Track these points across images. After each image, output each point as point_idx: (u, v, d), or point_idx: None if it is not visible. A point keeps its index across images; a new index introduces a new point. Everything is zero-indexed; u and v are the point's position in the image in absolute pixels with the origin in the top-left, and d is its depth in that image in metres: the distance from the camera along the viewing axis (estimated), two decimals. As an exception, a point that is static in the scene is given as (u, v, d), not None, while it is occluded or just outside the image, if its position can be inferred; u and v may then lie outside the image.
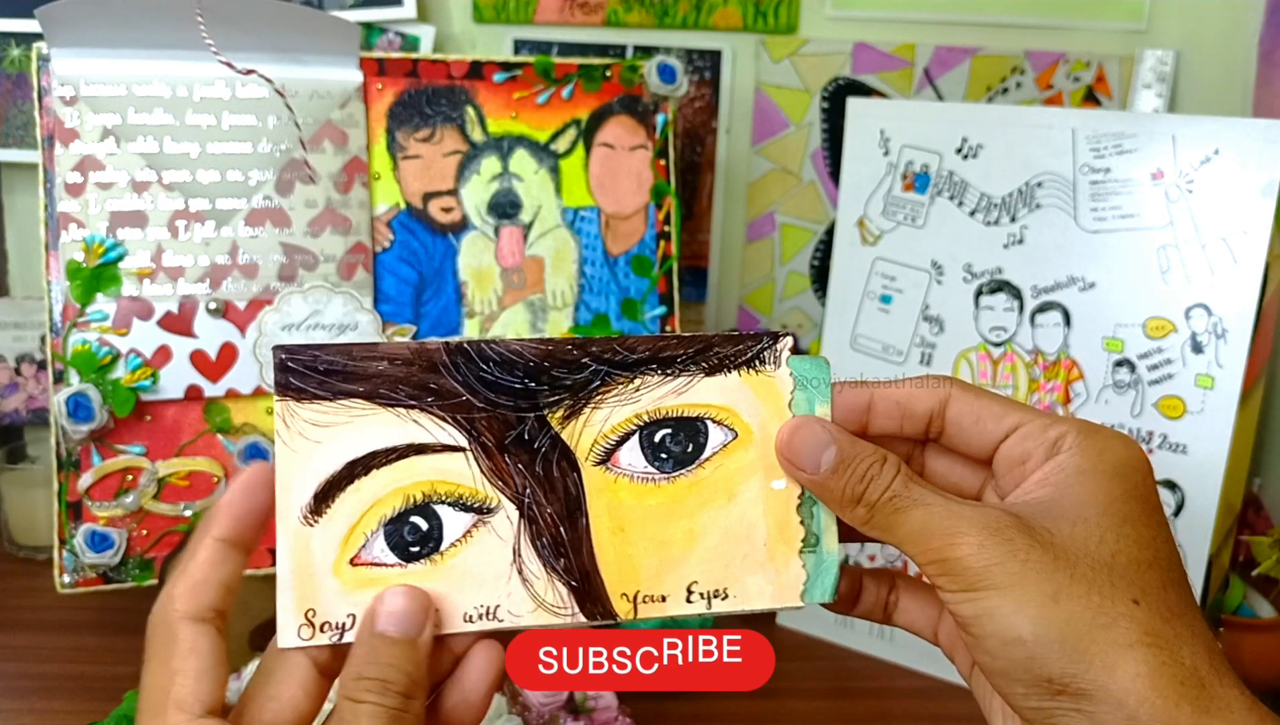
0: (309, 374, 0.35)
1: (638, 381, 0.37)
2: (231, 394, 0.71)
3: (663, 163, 0.80)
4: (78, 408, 0.67)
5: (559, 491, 0.37)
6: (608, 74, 0.79)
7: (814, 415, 0.38)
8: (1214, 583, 0.74)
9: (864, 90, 0.95)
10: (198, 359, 0.71)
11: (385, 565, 0.36)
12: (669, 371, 0.37)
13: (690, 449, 0.37)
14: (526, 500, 0.36)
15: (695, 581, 0.38)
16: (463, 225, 0.76)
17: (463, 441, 0.36)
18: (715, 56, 0.95)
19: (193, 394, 0.71)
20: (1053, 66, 0.95)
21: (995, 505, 0.35)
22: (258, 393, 0.72)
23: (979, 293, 0.75)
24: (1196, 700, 0.30)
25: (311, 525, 0.35)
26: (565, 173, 0.78)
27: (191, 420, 0.71)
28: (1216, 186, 0.68)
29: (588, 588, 0.37)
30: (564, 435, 0.37)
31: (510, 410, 0.36)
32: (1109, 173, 0.71)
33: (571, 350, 0.37)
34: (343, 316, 0.73)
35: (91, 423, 0.67)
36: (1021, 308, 0.74)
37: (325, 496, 0.35)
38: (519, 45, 0.94)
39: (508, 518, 0.36)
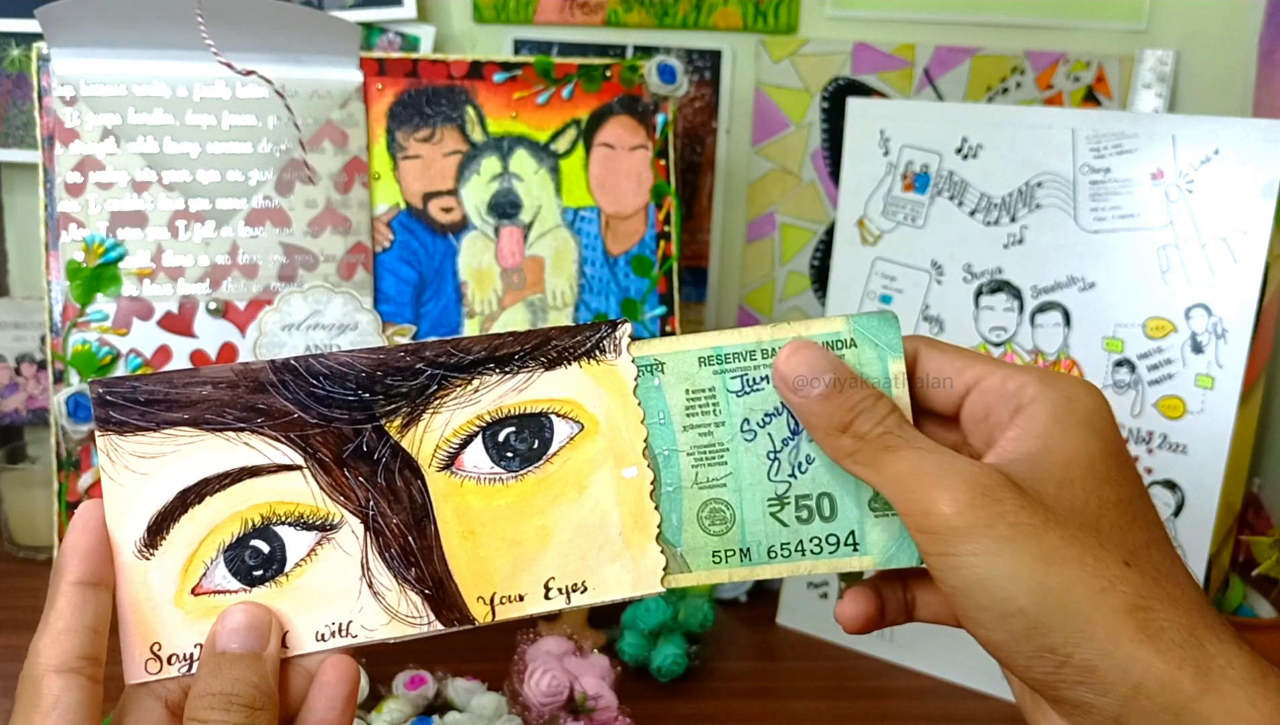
0: (129, 406, 0.35)
1: (476, 382, 0.37)
2: (231, 394, 0.71)
3: (663, 163, 0.80)
4: (78, 408, 0.67)
5: (404, 501, 0.36)
6: (608, 74, 0.79)
7: (818, 343, 0.37)
8: (1214, 583, 0.74)
9: (864, 90, 0.95)
10: (198, 359, 0.71)
11: (228, 592, 0.35)
12: (507, 369, 0.37)
13: (536, 445, 0.37)
14: (370, 513, 0.36)
15: (552, 577, 0.37)
16: (463, 225, 0.76)
17: (298, 460, 0.35)
18: (715, 56, 0.95)
19: (193, 394, 0.71)
20: (1053, 66, 0.95)
21: (986, 461, 0.34)
22: (258, 393, 0.72)
23: (979, 293, 0.75)
24: (1197, 662, 0.30)
25: (147, 558, 0.35)
26: (565, 173, 0.78)
27: (191, 420, 0.71)
28: (1216, 186, 0.68)
29: (442, 595, 0.36)
30: (404, 443, 0.36)
31: (346, 423, 0.36)
32: (1109, 173, 0.71)
33: (404, 357, 0.36)
34: (343, 316, 0.73)
35: (91, 423, 0.67)
36: (1021, 308, 0.74)
37: (159, 528, 0.35)
38: (519, 45, 0.94)
39: (352, 532, 0.36)
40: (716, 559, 0.38)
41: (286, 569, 0.36)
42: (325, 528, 0.36)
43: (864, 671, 0.77)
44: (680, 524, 0.38)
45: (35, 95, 0.69)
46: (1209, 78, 0.95)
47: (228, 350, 0.71)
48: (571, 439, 0.37)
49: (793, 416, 0.38)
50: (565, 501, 0.37)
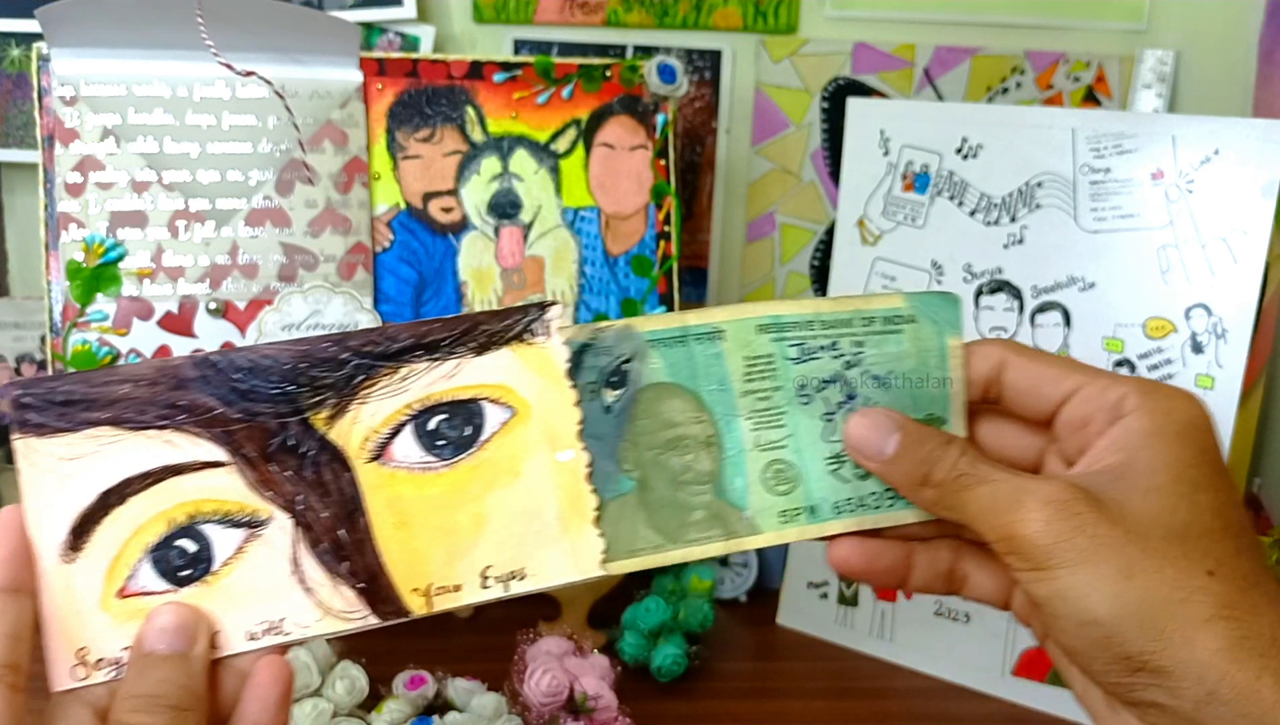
0: (47, 407, 0.34)
1: (404, 370, 0.36)
2: (231, 394, 0.71)
3: (663, 163, 0.80)
4: (78, 408, 0.67)
5: (333, 494, 0.36)
6: (608, 74, 0.79)
7: (879, 407, 0.39)
8: (1214, 583, 0.74)
9: (864, 90, 0.95)
10: (198, 359, 0.71)
11: (155, 593, 0.35)
12: (436, 356, 0.36)
13: (468, 432, 0.37)
14: (299, 507, 0.35)
15: (489, 565, 0.37)
16: (463, 225, 0.76)
17: (223, 456, 0.35)
18: (715, 56, 0.95)
19: (193, 394, 0.71)
20: (1053, 66, 0.95)
21: (1063, 477, 0.35)
22: (258, 393, 0.72)
23: (979, 293, 0.75)
24: (1278, 671, 0.30)
25: (71, 562, 0.34)
26: (565, 173, 0.78)
27: (191, 420, 0.71)
28: (1216, 186, 0.68)
29: (376, 588, 0.36)
30: (331, 436, 0.36)
31: (271, 417, 0.35)
32: (1109, 173, 0.71)
33: (329, 347, 0.36)
34: (343, 316, 0.73)
35: (91, 423, 0.67)
36: (1021, 308, 0.74)
37: (82, 531, 0.34)
38: (519, 45, 0.94)
39: (281, 528, 0.35)
40: (784, 518, 0.39)
41: (214, 568, 0.35)
42: (253, 524, 0.35)
43: (864, 671, 0.77)
44: (745, 487, 0.38)
45: (35, 95, 0.69)
46: (1209, 78, 0.95)
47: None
48: (504, 424, 0.37)
49: (848, 383, 0.39)
50: (499, 488, 0.37)
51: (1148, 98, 0.89)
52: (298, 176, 0.72)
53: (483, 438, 0.37)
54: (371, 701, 0.65)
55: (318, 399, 0.35)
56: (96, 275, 0.69)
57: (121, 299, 0.69)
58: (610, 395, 0.38)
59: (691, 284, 0.99)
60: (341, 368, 0.36)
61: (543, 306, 0.37)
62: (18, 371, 0.94)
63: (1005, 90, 0.95)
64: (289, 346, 0.35)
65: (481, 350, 0.37)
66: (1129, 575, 0.31)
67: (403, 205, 0.75)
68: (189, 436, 0.35)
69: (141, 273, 0.70)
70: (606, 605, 0.77)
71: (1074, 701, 0.36)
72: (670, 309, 0.80)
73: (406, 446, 0.36)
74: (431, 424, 0.36)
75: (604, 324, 0.38)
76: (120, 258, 0.69)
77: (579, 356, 0.37)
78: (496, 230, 0.77)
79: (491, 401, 0.37)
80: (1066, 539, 0.32)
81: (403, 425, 0.36)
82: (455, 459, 0.36)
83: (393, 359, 0.36)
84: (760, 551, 0.86)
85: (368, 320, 0.73)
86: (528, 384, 0.37)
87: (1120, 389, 0.35)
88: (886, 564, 0.39)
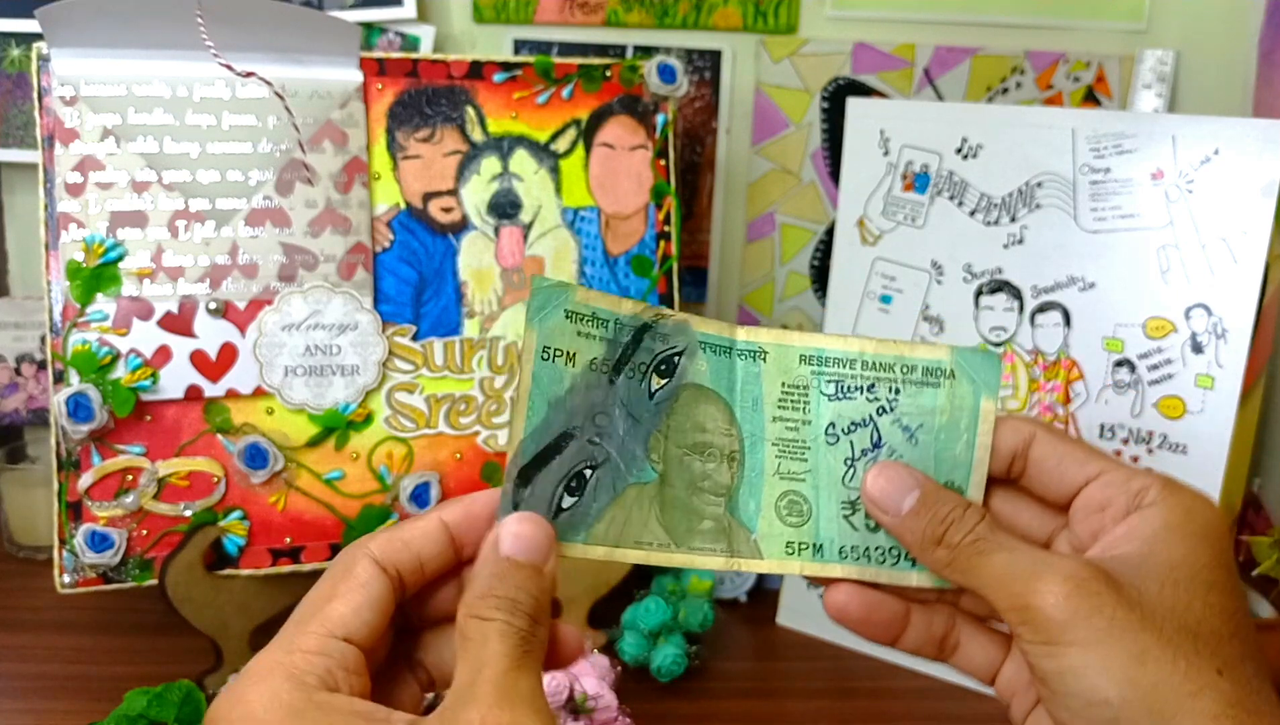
0: None
1: None
2: (231, 394, 0.71)
3: (663, 163, 0.80)
4: (78, 408, 0.67)
5: None
6: (608, 74, 0.79)
7: (900, 463, 0.39)
8: (1214, 583, 0.74)
9: (864, 90, 0.95)
10: (198, 359, 0.71)
11: None
12: None
13: None
14: None
15: None
16: (463, 225, 0.76)
17: None
18: (715, 56, 0.95)
19: (193, 394, 0.71)
20: (1053, 66, 0.95)
21: (1082, 558, 0.35)
22: (257, 393, 0.72)
23: (979, 293, 0.75)
24: None
25: None
26: (565, 173, 0.78)
27: (191, 420, 0.71)
28: (1216, 186, 0.68)
29: None
30: None
31: None
32: (1109, 173, 0.71)
33: None
34: (343, 316, 0.73)
35: (91, 423, 0.67)
36: (1021, 308, 0.74)
37: None
38: (519, 45, 0.94)
39: None
40: (790, 550, 0.39)
41: None
42: None
43: (864, 671, 0.77)
44: (758, 510, 0.39)
45: (35, 95, 0.69)
46: (1209, 78, 0.95)
47: (228, 350, 0.71)
48: None
49: (878, 431, 0.39)
50: None
51: (1148, 98, 0.89)
52: (298, 176, 0.72)
53: None
54: (371, 701, 0.65)
55: None
56: (96, 275, 0.69)
57: (121, 299, 0.69)
58: (657, 382, 0.38)
59: (691, 284, 0.99)
60: None
61: None
62: (18, 371, 0.94)
63: (1005, 90, 0.95)
64: None
65: None
66: (1142, 661, 0.32)
67: (403, 205, 0.75)
68: None
69: (141, 273, 0.70)
70: (606, 605, 0.77)
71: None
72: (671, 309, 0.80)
73: None
74: None
75: (667, 312, 0.38)
76: (120, 258, 0.69)
77: (639, 334, 0.38)
78: (496, 230, 0.77)
79: None
80: (1084, 617, 0.32)
81: None
82: None
83: None
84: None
85: (367, 320, 0.73)
86: None
87: (1144, 480, 0.36)
88: (883, 618, 0.39)
